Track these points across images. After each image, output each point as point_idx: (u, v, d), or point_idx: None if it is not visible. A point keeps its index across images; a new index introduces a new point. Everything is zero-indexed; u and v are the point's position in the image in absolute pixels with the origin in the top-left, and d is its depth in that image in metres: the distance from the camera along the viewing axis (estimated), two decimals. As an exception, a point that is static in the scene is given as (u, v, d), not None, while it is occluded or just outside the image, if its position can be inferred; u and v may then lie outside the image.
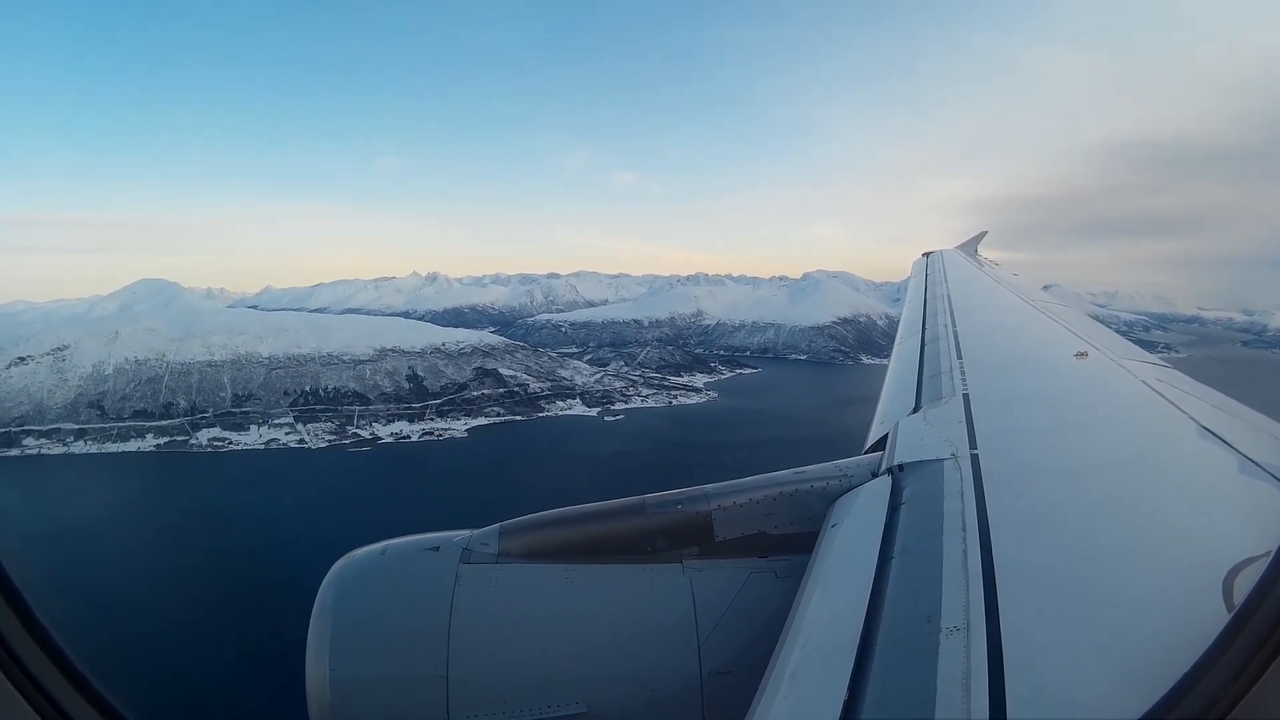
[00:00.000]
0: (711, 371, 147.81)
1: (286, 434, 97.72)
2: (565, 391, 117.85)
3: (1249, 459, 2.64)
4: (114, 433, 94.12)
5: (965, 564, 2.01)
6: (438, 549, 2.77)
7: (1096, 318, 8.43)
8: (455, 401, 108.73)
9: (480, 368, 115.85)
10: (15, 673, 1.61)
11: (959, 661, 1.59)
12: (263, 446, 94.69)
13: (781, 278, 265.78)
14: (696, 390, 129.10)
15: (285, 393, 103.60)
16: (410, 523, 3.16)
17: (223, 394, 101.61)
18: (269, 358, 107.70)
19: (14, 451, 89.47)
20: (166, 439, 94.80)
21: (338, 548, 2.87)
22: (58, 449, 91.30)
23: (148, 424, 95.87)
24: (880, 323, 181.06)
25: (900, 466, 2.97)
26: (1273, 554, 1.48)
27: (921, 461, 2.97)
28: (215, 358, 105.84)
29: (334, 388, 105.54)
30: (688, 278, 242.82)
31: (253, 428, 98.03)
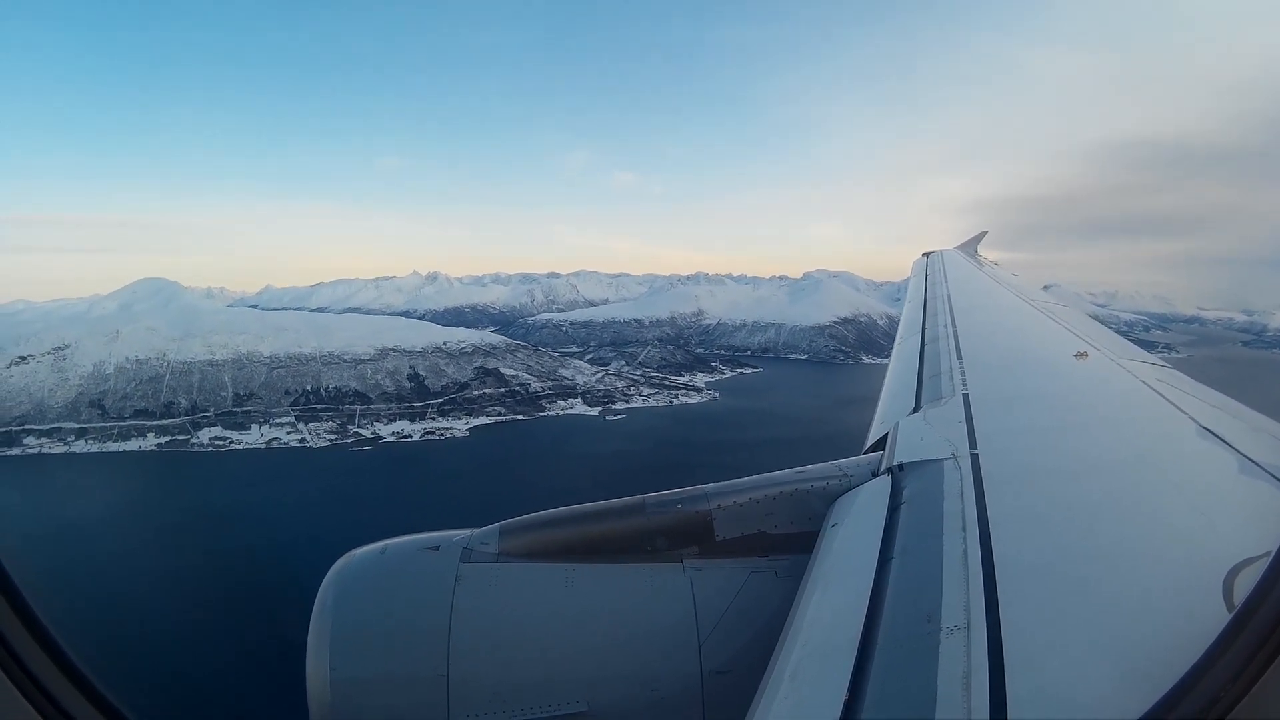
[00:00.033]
0: (712, 371, 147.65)
1: (288, 433, 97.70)
2: (566, 391, 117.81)
3: (1249, 459, 2.64)
4: (115, 432, 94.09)
5: (965, 564, 2.00)
6: (438, 548, 2.76)
7: (1096, 318, 8.40)
8: (456, 401, 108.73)
9: (481, 367, 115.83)
10: (16, 672, 1.61)
11: (959, 661, 1.58)
12: (264, 446, 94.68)
13: (782, 277, 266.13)
14: (697, 390, 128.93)
15: (286, 392, 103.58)
16: (411, 522, 3.16)
17: (224, 393, 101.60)
18: (270, 357, 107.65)
19: (15, 451, 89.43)
20: (167, 438, 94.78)
21: (338, 547, 2.86)
22: (58, 448, 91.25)
23: (149, 423, 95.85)
24: (880, 322, 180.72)
25: (900, 466, 2.97)
26: (1273, 554, 1.50)
27: (921, 461, 2.96)
28: (216, 357, 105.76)
29: (335, 387, 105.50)
30: (688, 277, 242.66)
31: (254, 427, 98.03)
